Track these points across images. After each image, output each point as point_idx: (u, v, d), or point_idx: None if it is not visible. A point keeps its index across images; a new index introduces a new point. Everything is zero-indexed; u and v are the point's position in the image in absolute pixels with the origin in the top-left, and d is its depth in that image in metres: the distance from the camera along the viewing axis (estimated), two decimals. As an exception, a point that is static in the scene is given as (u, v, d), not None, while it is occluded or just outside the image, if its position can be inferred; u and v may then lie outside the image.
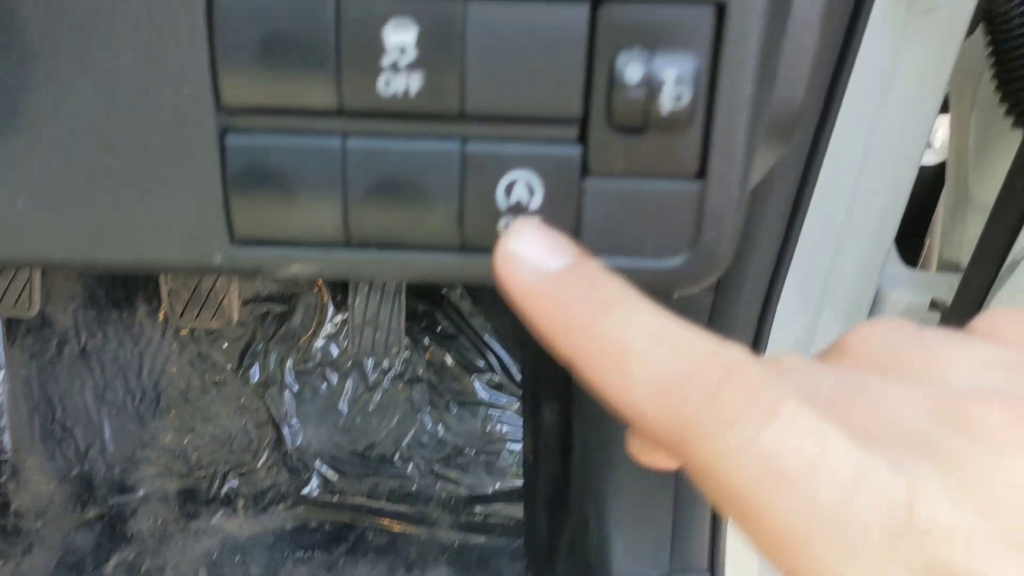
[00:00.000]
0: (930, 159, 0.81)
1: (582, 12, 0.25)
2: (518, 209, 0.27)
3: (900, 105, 0.60)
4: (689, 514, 0.76)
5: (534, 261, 0.25)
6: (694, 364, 0.22)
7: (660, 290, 0.29)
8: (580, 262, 0.25)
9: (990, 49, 0.60)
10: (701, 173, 0.27)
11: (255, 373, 1.02)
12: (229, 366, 1.01)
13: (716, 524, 0.75)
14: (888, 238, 0.69)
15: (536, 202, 0.27)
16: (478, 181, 0.27)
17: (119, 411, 1.01)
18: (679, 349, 0.23)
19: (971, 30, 0.57)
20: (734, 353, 0.22)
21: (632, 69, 0.25)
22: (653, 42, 0.25)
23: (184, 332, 1.01)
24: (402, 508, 1.00)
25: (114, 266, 0.29)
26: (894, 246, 0.75)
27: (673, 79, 0.25)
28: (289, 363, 1.02)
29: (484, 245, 0.28)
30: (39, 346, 1.00)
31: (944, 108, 0.73)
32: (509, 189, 0.27)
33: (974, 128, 0.71)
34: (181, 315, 0.85)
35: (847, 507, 0.20)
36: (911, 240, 0.82)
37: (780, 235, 0.57)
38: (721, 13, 0.25)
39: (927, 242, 0.84)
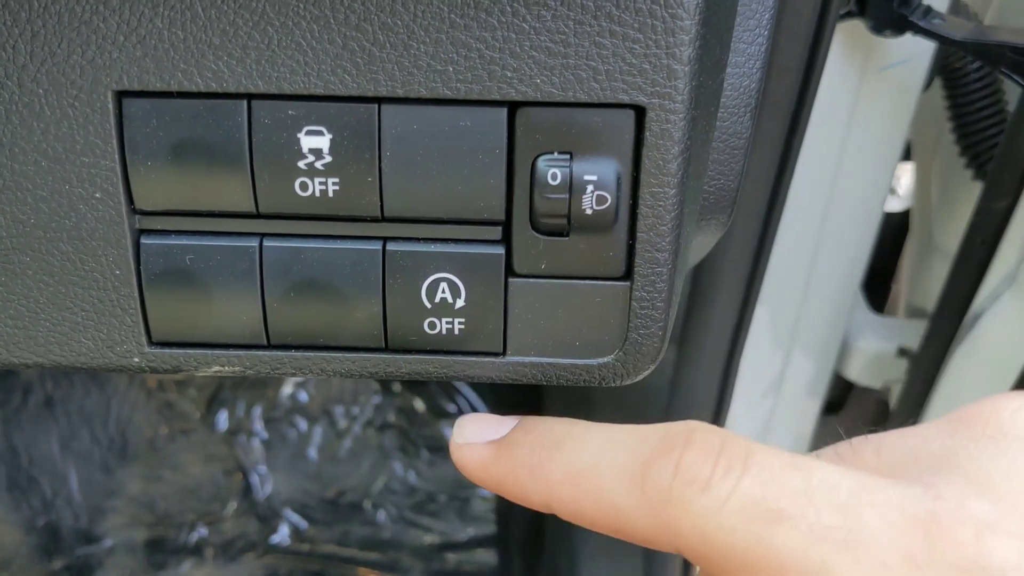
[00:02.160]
0: (895, 206, 0.81)
1: (499, 116, 0.25)
2: (443, 308, 0.27)
3: (859, 157, 0.60)
4: (660, 561, 0.76)
5: (483, 437, 0.26)
6: (652, 448, 0.22)
7: (592, 385, 0.28)
8: (523, 421, 0.26)
9: (948, 103, 0.60)
10: (628, 274, 0.26)
11: (223, 421, 1.00)
12: (197, 414, 1.00)
13: (687, 572, 0.74)
14: (854, 284, 0.69)
15: (460, 301, 0.27)
16: (400, 282, 0.27)
17: (85, 460, 1.00)
18: (634, 443, 0.23)
19: (928, 83, 0.57)
20: (687, 425, 0.22)
21: (553, 173, 0.25)
22: (573, 145, 0.25)
23: (151, 381, 1.00)
24: (374, 556, 0.99)
25: (32, 367, 0.28)
26: (861, 292, 0.74)
27: (593, 182, 0.25)
28: (257, 410, 1.01)
29: (409, 345, 0.27)
30: (4, 395, 0.98)
31: (907, 155, 0.73)
32: (433, 289, 0.27)
33: (937, 175, 0.71)
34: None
35: (857, 523, 0.19)
36: (879, 286, 0.82)
37: (743, 283, 0.57)
38: (641, 116, 0.25)
39: (894, 288, 0.84)
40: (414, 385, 1.01)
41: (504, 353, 0.28)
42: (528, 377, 0.28)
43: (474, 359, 0.28)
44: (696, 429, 0.22)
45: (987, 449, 0.21)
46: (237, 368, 0.28)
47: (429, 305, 0.27)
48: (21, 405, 0.99)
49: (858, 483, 0.20)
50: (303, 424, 1.01)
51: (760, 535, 0.20)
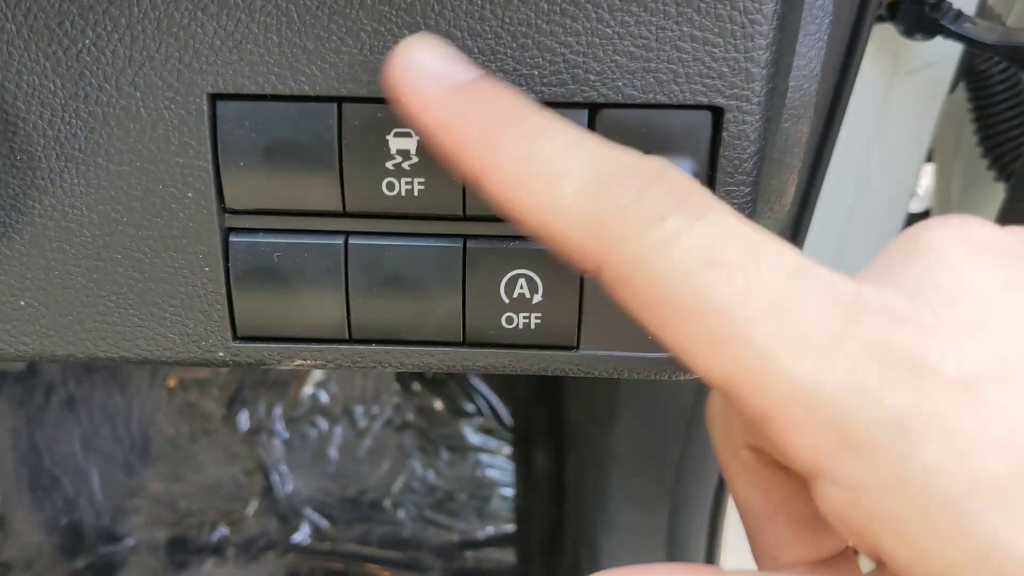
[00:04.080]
0: (916, 206, 0.82)
1: (581, 116, 0.26)
2: (521, 304, 0.28)
3: (886, 159, 0.61)
4: (683, 559, 0.76)
5: (436, 71, 0.23)
6: (618, 169, 0.21)
7: (662, 378, 0.29)
8: (487, 77, 0.23)
9: (971, 105, 0.61)
10: None
11: (244, 421, 1.01)
12: (218, 414, 1.01)
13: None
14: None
15: (538, 297, 0.28)
16: (480, 278, 0.27)
17: (107, 460, 1.00)
18: (601, 156, 0.21)
19: (953, 86, 0.58)
20: (662, 160, 0.21)
21: None
22: (651, 145, 0.26)
23: (172, 381, 1.00)
24: (393, 555, 1.00)
25: (117, 361, 0.29)
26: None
27: None
28: (278, 410, 1.01)
29: (487, 339, 0.28)
30: (26, 395, 0.99)
31: (929, 157, 0.74)
32: (511, 285, 0.28)
33: (958, 177, 0.72)
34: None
35: (791, 290, 0.19)
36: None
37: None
38: (719, 117, 0.26)
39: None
40: (433, 385, 1.02)
41: (578, 347, 0.28)
42: (600, 370, 0.29)
43: (549, 353, 0.29)
44: (669, 166, 0.21)
45: (902, 260, 0.21)
46: (319, 361, 0.29)
47: (507, 300, 0.28)
48: (43, 404, 0.99)
49: (801, 259, 0.20)
50: (324, 424, 1.02)
51: (696, 278, 0.19)
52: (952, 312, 0.19)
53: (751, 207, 0.26)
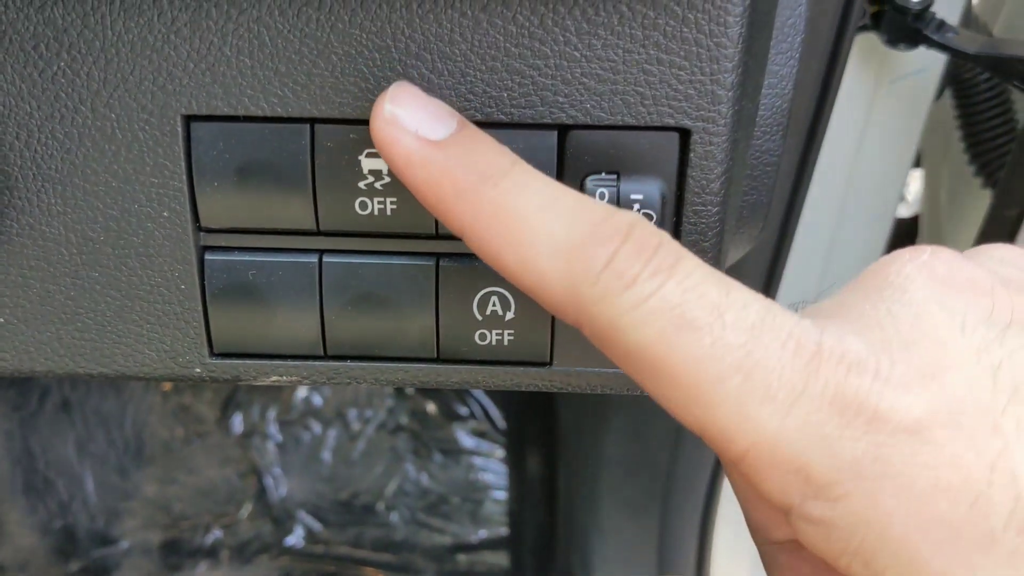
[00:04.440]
0: (905, 212, 0.82)
1: (550, 138, 0.26)
2: (494, 321, 0.28)
3: (873, 165, 0.61)
4: (674, 564, 0.77)
5: (417, 127, 0.23)
6: (591, 228, 0.22)
7: (636, 393, 0.30)
8: (466, 129, 0.24)
9: (957, 112, 0.61)
10: None
11: (238, 424, 1.02)
12: (212, 417, 1.01)
13: (701, 574, 0.75)
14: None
15: (510, 314, 0.28)
16: (453, 296, 0.28)
17: (102, 463, 1.01)
18: (575, 215, 0.22)
19: (939, 94, 0.58)
20: (630, 216, 0.22)
21: (600, 192, 0.26)
22: (620, 166, 0.26)
23: (166, 384, 1.01)
24: (387, 558, 1.00)
25: (96, 377, 0.30)
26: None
27: (640, 201, 0.26)
28: (272, 413, 1.02)
29: (460, 356, 0.29)
30: (21, 399, 0.99)
31: (917, 162, 0.74)
32: (484, 302, 0.28)
33: (946, 182, 0.73)
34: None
35: (756, 345, 0.20)
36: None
37: (760, 288, 0.58)
38: (686, 138, 0.26)
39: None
40: (427, 389, 1.02)
41: (551, 363, 0.29)
42: (573, 386, 0.29)
43: (522, 369, 0.29)
44: (637, 224, 0.22)
45: (871, 298, 0.22)
46: (295, 377, 0.29)
47: (480, 317, 0.28)
48: (38, 408, 1.00)
49: (766, 307, 0.21)
50: (317, 427, 1.02)
51: (667, 339, 0.21)
52: (909, 357, 0.20)
53: (719, 226, 0.27)
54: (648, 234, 0.22)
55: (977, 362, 0.20)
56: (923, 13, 0.49)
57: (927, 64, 0.56)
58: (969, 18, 0.57)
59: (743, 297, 0.21)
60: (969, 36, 0.50)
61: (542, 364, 0.29)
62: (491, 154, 0.23)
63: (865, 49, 0.54)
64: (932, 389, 0.20)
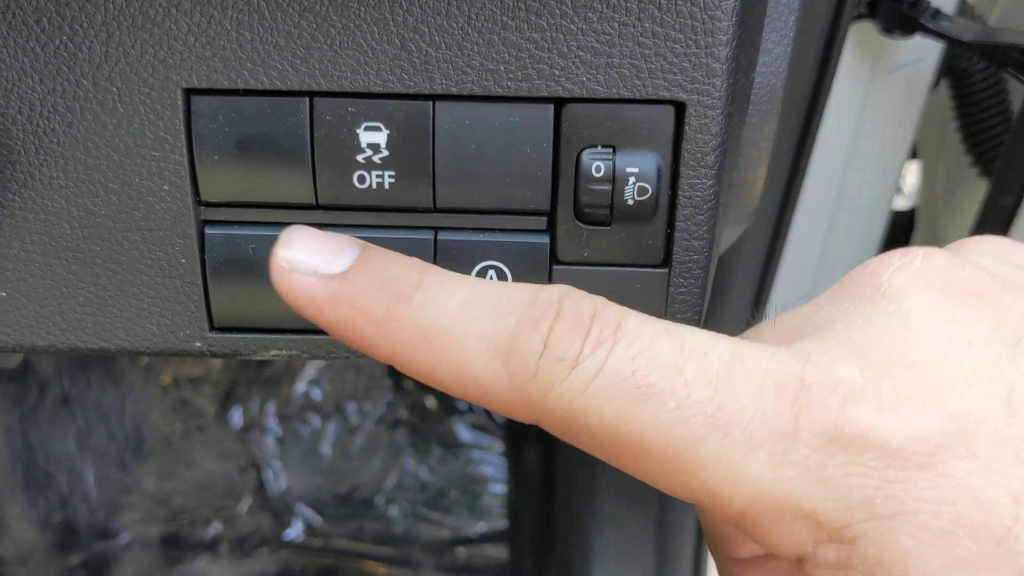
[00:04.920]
0: (902, 204, 0.82)
1: (547, 112, 0.26)
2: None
3: (868, 156, 0.61)
4: (672, 555, 0.77)
5: (315, 267, 0.22)
6: (518, 315, 0.20)
7: None
8: (367, 252, 0.23)
9: (953, 103, 0.61)
10: (666, 261, 0.28)
11: (237, 418, 1.02)
12: (211, 411, 1.01)
13: (698, 565, 0.75)
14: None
15: None
16: (451, 269, 0.28)
17: (102, 457, 1.01)
18: (499, 304, 0.21)
19: (935, 83, 0.59)
20: (556, 291, 0.21)
21: (597, 165, 0.26)
22: (616, 139, 0.26)
23: (166, 378, 1.01)
24: (386, 551, 1.00)
25: (97, 351, 0.30)
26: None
27: (635, 174, 0.26)
28: (271, 407, 1.02)
29: None
30: (20, 393, 0.99)
31: (913, 154, 0.75)
32: (481, 276, 0.28)
33: (942, 173, 0.73)
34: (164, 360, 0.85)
35: (727, 397, 0.19)
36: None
37: (756, 278, 0.58)
38: (681, 111, 0.26)
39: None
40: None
41: None
42: None
43: None
44: (567, 295, 0.21)
45: (863, 311, 0.20)
46: (294, 352, 0.29)
47: None
48: (38, 403, 1.00)
49: (731, 350, 0.19)
50: (316, 421, 1.02)
51: (628, 414, 0.19)
52: (912, 379, 0.19)
53: (714, 199, 0.27)
54: (580, 304, 0.20)
55: (989, 383, 0.19)
56: (918, 2, 0.49)
57: (923, 54, 0.56)
58: (964, 7, 0.57)
59: (701, 345, 0.19)
60: (964, 24, 0.50)
61: None
62: (398, 269, 0.22)
63: (861, 38, 0.54)
64: (943, 416, 0.18)
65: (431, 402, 1.03)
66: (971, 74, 0.59)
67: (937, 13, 0.50)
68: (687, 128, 0.26)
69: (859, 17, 0.51)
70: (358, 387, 1.03)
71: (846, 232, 0.66)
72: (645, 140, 0.26)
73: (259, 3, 0.25)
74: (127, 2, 0.26)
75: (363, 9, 0.25)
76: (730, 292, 0.57)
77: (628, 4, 0.25)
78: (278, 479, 1.02)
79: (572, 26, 0.25)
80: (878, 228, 0.66)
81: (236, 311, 0.29)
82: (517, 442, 0.99)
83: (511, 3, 0.25)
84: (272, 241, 0.28)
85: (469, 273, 0.28)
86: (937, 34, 0.49)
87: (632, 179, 0.26)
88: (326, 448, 1.02)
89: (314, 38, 0.26)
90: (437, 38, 0.26)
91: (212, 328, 0.29)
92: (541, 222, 0.28)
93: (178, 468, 1.02)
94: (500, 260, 0.28)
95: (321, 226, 0.28)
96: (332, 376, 1.03)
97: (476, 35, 0.26)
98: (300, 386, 1.02)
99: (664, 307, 0.28)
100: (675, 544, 0.76)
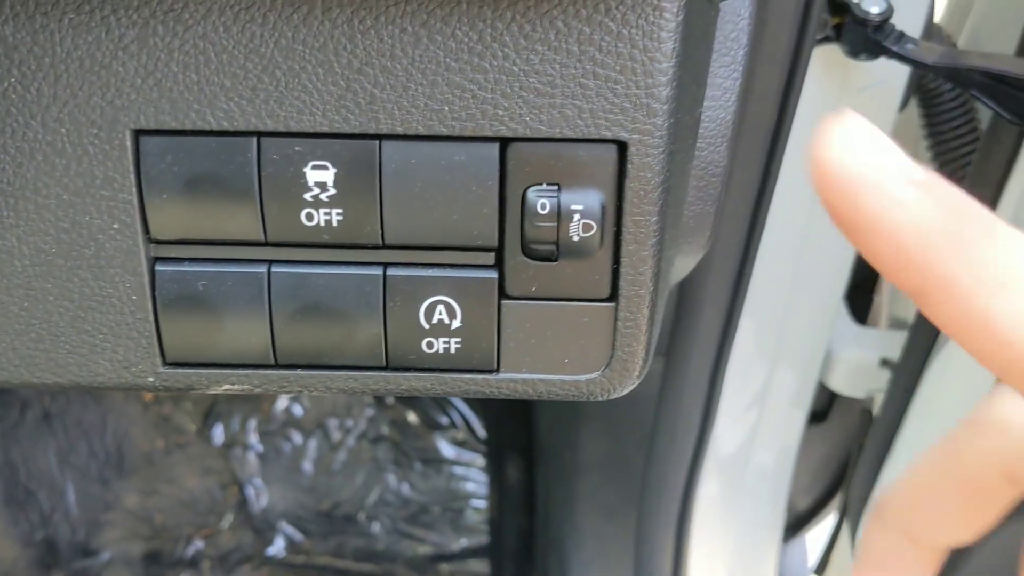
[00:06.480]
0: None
1: (492, 151, 0.26)
2: (440, 329, 0.29)
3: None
4: (651, 567, 0.77)
5: (882, 183, 0.18)
6: None
7: (580, 399, 0.30)
8: (932, 182, 0.19)
9: (923, 122, 0.62)
10: (613, 296, 0.28)
11: (219, 434, 1.02)
12: (193, 428, 1.01)
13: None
14: (837, 296, 0.71)
15: (456, 322, 0.29)
16: (400, 304, 0.28)
17: (83, 474, 1.01)
18: None
19: (904, 103, 0.59)
20: None
21: (542, 203, 0.27)
22: (561, 177, 0.27)
23: (147, 395, 1.01)
24: (368, 567, 1.00)
25: (52, 387, 0.30)
26: (844, 303, 0.76)
27: (580, 211, 0.27)
28: (253, 424, 1.02)
29: (408, 363, 0.29)
30: (2, 410, 0.99)
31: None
32: (430, 311, 0.28)
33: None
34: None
35: None
36: (861, 297, 0.84)
37: (727, 298, 0.59)
38: (623, 150, 0.26)
39: (876, 299, 0.86)
40: (407, 398, 1.03)
41: (497, 370, 0.29)
42: (520, 393, 0.30)
43: (469, 376, 0.29)
44: None
45: None
46: (246, 386, 0.30)
47: (427, 326, 0.28)
48: (19, 420, 1.00)
49: None
50: (298, 437, 1.02)
51: None
52: None
53: (659, 234, 0.27)
54: None
55: None
56: (883, 25, 0.50)
57: (891, 74, 0.57)
58: (932, 29, 0.58)
59: None
60: (928, 47, 0.50)
61: (489, 371, 0.29)
62: (966, 213, 0.18)
63: (829, 60, 0.54)
64: None
65: (412, 417, 1.03)
66: (939, 94, 0.59)
67: (902, 36, 0.50)
68: (630, 166, 0.26)
69: (825, 40, 0.52)
70: (339, 403, 1.04)
71: (820, 247, 0.67)
72: (589, 178, 0.27)
73: (205, 46, 0.26)
74: (75, 45, 0.26)
75: (307, 51, 0.26)
76: (702, 311, 0.57)
77: (568, 46, 0.25)
78: (260, 496, 1.02)
79: (514, 67, 0.26)
80: (850, 248, 0.67)
81: (188, 346, 0.29)
82: (498, 457, 0.99)
83: (453, 45, 0.25)
84: (224, 277, 0.28)
85: (419, 309, 0.28)
86: (901, 57, 0.50)
87: (577, 216, 0.27)
88: (308, 465, 1.02)
89: (260, 79, 0.26)
90: (381, 79, 0.26)
91: (164, 363, 0.29)
92: (489, 257, 0.28)
93: (160, 485, 1.02)
94: (449, 295, 0.28)
95: (270, 264, 0.28)
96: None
97: (420, 76, 0.26)
98: (281, 403, 1.02)
99: (612, 341, 0.29)
100: (654, 556, 0.76)
